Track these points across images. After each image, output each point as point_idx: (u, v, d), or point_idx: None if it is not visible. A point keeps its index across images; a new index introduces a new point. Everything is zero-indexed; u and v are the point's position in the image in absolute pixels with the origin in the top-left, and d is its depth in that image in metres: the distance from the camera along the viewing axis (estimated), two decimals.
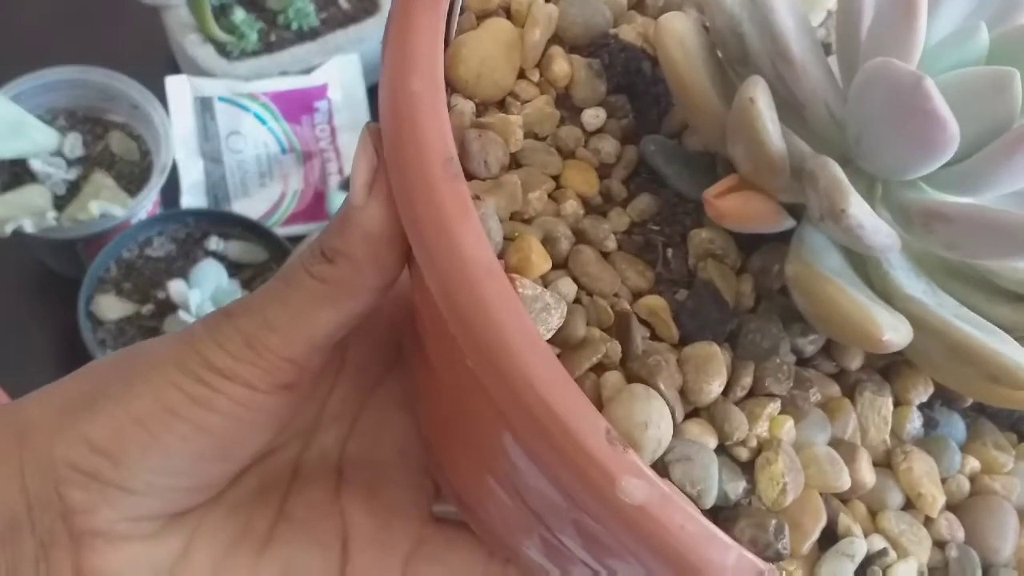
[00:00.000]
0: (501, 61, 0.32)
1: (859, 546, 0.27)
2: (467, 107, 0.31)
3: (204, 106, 0.89)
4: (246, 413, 0.33)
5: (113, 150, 0.83)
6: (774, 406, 0.28)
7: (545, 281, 0.28)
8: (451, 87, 0.32)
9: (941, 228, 0.26)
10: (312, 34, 0.91)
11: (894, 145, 0.26)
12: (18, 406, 0.35)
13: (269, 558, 0.36)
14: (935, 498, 0.29)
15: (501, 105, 0.32)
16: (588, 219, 0.30)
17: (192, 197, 0.89)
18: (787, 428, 0.28)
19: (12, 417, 0.34)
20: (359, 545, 0.37)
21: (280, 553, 0.36)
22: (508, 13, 0.33)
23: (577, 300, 0.29)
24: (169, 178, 0.83)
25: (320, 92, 0.92)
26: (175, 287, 0.82)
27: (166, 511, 0.34)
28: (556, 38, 0.33)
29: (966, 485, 0.31)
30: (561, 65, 0.32)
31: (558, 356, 0.27)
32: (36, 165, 0.80)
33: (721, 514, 0.27)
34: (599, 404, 0.27)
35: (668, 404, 0.26)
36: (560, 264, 0.29)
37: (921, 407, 0.31)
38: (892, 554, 0.28)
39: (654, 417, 0.26)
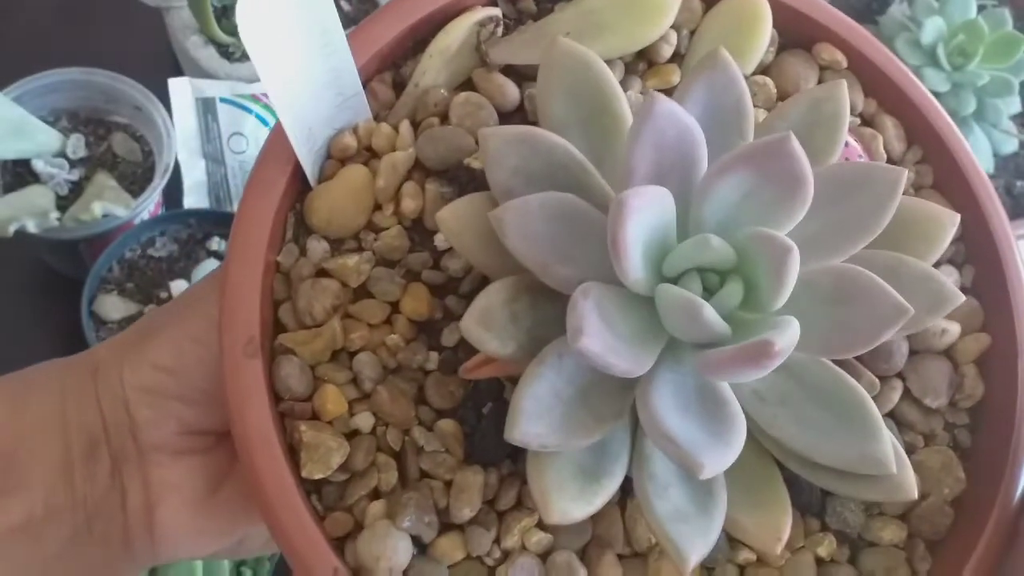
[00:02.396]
0: (351, 205, 0.38)
1: None
2: (320, 247, 0.38)
3: (206, 107, 0.89)
4: None
5: (116, 151, 0.84)
6: (530, 520, 0.36)
7: (351, 412, 0.37)
8: (309, 230, 0.39)
9: None
10: None
11: None
12: (90, 351, 0.42)
13: None
14: None
15: (356, 238, 0.39)
16: (409, 347, 0.37)
17: (194, 198, 0.90)
18: (537, 539, 0.36)
19: (87, 358, 0.41)
20: None
21: None
22: (372, 152, 0.39)
23: (373, 430, 0.37)
24: (171, 179, 0.84)
25: None
26: (177, 287, 0.83)
27: (222, 426, 0.39)
28: (419, 164, 0.39)
29: (732, 574, 0.37)
30: (408, 203, 0.38)
31: (346, 481, 0.36)
32: (39, 166, 0.81)
33: None
34: (360, 528, 0.36)
35: (410, 534, 0.35)
36: (365, 397, 0.37)
37: None
38: None
39: (387, 552, 0.35)
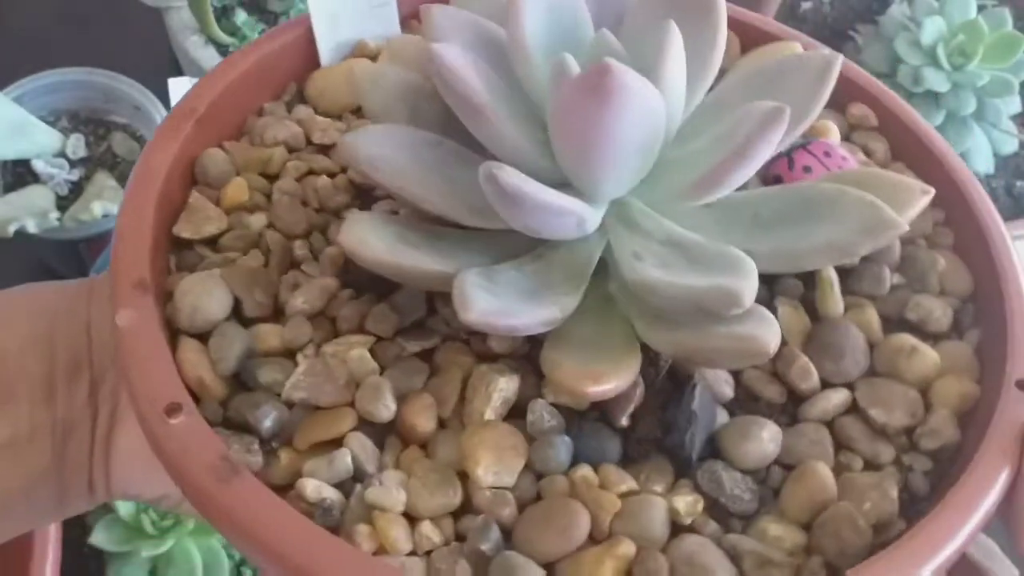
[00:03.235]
0: (344, 86, 0.41)
1: (343, 463, 0.30)
2: (305, 111, 0.40)
3: None
4: None
5: (115, 151, 0.84)
6: (362, 339, 0.33)
7: (249, 211, 0.36)
8: (304, 101, 0.41)
9: None
10: None
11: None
12: (89, 277, 0.43)
13: None
14: (483, 469, 0.30)
15: (341, 117, 0.41)
16: (335, 191, 0.37)
17: None
18: (360, 355, 0.32)
19: (84, 283, 0.42)
20: None
21: None
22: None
23: (261, 233, 0.36)
24: None
25: None
26: None
27: None
28: None
29: (561, 485, 0.31)
30: None
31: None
32: (39, 166, 0.80)
33: (239, 390, 0.32)
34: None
35: (234, 295, 0.33)
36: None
37: (567, 414, 0.32)
38: (380, 484, 0.30)
39: (197, 290, 0.33)
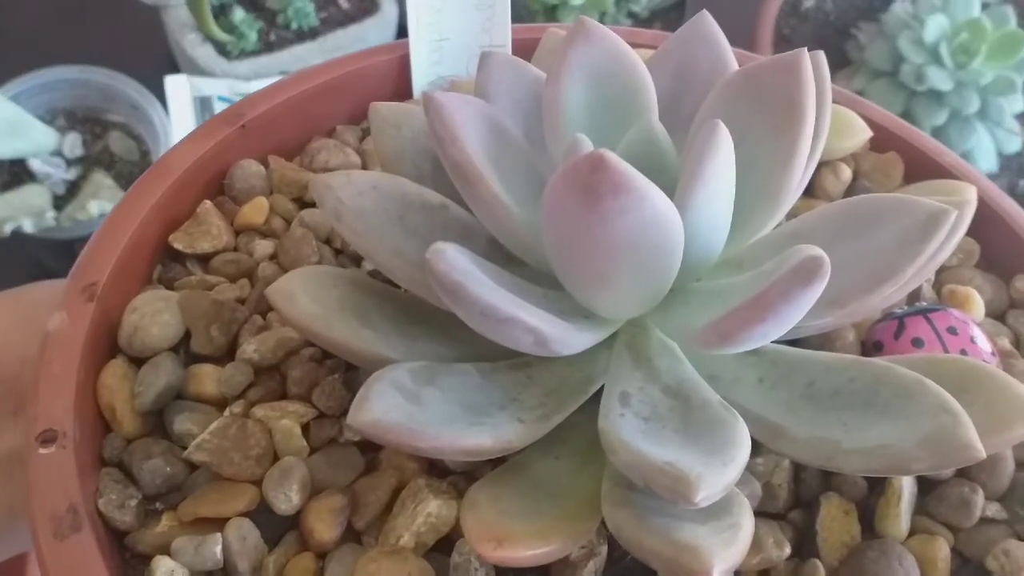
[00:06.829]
0: None
1: (211, 551, 0.25)
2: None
3: (203, 106, 0.85)
4: None
5: (112, 150, 0.82)
6: (305, 410, 0.28)
7: (262, 234, 0.33)
8: None
9: None
10: (311, 34, 0.89)
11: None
12: None
13: None
14: None
15: None
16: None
17: None
18: (287, 428, 0.27)
19: None
20: None
21: None
22: None
23: (258, 263, 0.32)
24: None
25: None
26: None
27: None
28: None
29: None
30: None
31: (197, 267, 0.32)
32: (35, 165, 0.79)
33: (154, 431, 0.28)
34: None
35: (186, 327, 0.29)
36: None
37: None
38: None
39: (145, 313, 0.29)
